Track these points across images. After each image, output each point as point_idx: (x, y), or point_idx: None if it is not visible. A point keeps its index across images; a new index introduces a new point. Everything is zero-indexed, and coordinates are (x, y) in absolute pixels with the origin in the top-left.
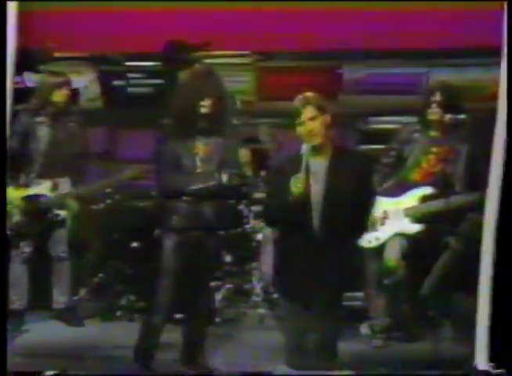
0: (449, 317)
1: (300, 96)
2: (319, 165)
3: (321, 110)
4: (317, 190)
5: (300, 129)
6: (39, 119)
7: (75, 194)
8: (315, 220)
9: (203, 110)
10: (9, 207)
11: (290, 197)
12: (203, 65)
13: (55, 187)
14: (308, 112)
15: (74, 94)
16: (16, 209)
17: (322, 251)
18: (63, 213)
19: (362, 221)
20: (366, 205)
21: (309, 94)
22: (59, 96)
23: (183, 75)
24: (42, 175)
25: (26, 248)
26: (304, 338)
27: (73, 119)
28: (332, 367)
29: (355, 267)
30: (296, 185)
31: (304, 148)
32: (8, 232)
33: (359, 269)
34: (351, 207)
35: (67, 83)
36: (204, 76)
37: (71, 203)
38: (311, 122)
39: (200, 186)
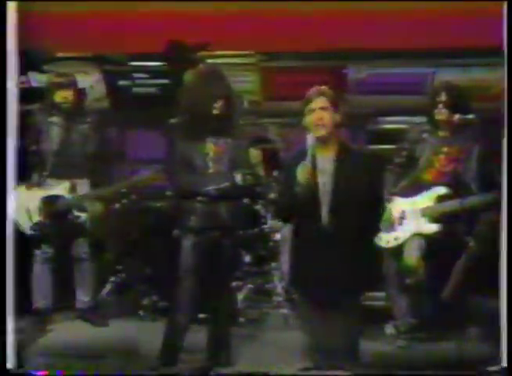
0: (472, 319)
1: (314, 88)
2: (325, 160)
3: (333, 104)
4: (325, 184)
5: (308, 118)
6: (51, 119)
7: (94, 196)
8: (324, 214)
9: (214, 111)
10: (23, 206)
11: (298, 187)
12: (211, 65)
13: (73, 188)
14: (321, 102)
15: (80, 94)
16: (36, 210)
17: (333, 247)
18: (83, 215)
19: (371, 218)
20: (375, 202)
21: (324, 88)
22: (63, 97)
23: (191, 76)
24: (57, 176)
25: (47, 249)
26: (325, 338)
27: (86, 119)
28: (356, 367)
29: (370, 265)
30: (302, 173)
31: (310, 138)
32: (30, 232)
33: (376, 268)
34: (360, 202)
35: (72, 84)
36: (213, 76)
37: (91, 204)
38: (321, 111)
39: (214, 186)
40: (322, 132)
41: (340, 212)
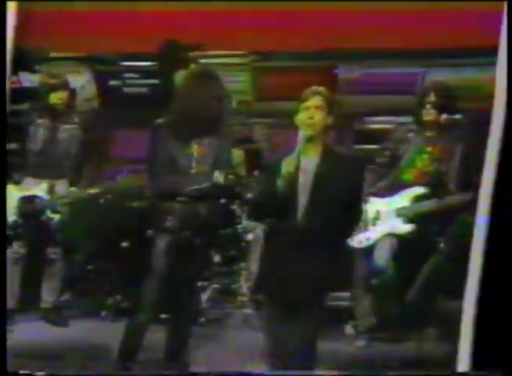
0: (434, 320)
1: (312, 87)
2: (308, 162)
3: (329, 105)
4: (305, 184)
5: (300, 116)
6: (36, 120)
7: (70, 197)
8: (300, 214)
9: (205, 112)
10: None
11: (280, 182)
12: (204, 66)
13: (51, 189)
14: (316, 100)
15: (72, 95)
16: (12, 209)
17: (305, 247)
18: (56, 216)
19: (349, 221)
20: (354, 206)
21: (319, 87)
22: (57, 98)
23: (184, 76)
24: (37, 176)
25: (19, 249)
26: (286, 339)
27: (71, 120)
28: (312, 367)
29: (342, 267)
30: (287, 165)
31: (300, 135)
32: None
33: (346, 269)
34: (337, 205)
35: (65, 85)
36: (207, 77)
37: (65, 205)
38: (314, 110)
39: (196, 186)
40: (311, 131)
41: (315, 213)
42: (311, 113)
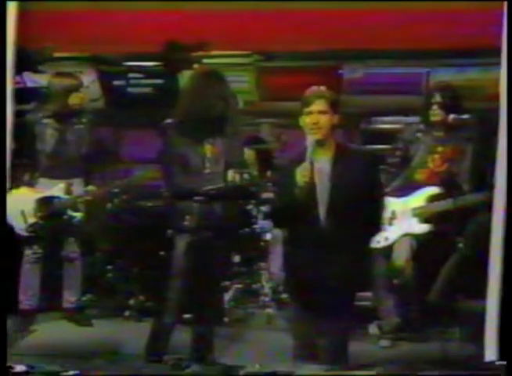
0: (457, 321)
1: (314, 87)
2: (323, 162)
3: (333, 107)
4: (323, 187)
5: (305, 119)
6: (47, 120)
7: (88, 196)
8: (322, 217)
9: (213, 112)
10: (18, 207)
11: (297, 189)
12: (211, 67)
13: (69, 189)
14: (320, 105)
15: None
16: (30, 211)
17: (330, 248)
18: (78, 215)
19: (371, 219)
20: (375, 203)
21: (324, 89)
22: (77, 99)
23: (191, 77)
24: (51, 176)
25: (39, 249)
26: (313, 339)
27: (82, 120)
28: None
29: (365, 267)
30: (301, 174)
31: (309, 140)
32: (25, 233)
33: (368, 269)
34: (359, 204)
35: (82, 85)
36: (214, 78)
37: (84, 204)
38: (319, 115)
39: (211, 186)
40: (319, 136)
41: (338, 213)
42: (316, 118)
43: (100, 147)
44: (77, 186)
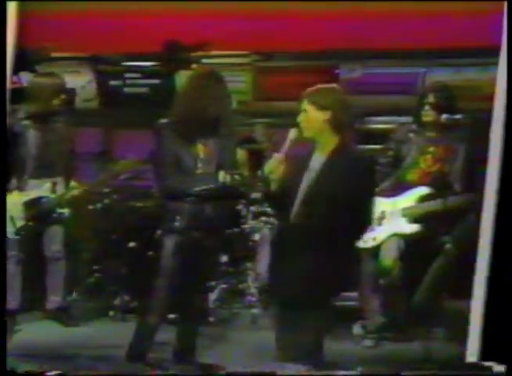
0: (442, 321)
1: (310, 87)
2: (317, 161)
3: (316, 105)
4: (305, 184)
5: (299, 117)
6: (26, 121)
7: (76, 190)
8: (295, 211)
9: (210, 112)
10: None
11: (264, 182)
12: (209, 67)
13: (54, 187)
14: (304, 104)
15: (70, 96)
16: (19, 214)
17: (305, 246)
18: (66, 211)
19: (355, 221)
20: (362, 206)
21: (310, 89)
22: (59, 100)
23: (189, 77)
24: (35, 177)
25: (22, 250)
26: (293, 337)
27: (60, 119)
28: (321, 366)
29: (348, 266)
30: (268, 166)
31: (289, 135)
32: (14, 236)
33: (353, 269)
34: (343, 203)
35: (65, 86)
36: (212, 79)
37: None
38: (305, 113)
39: (203, 187)
40: (307, 133)
41: (312, 210)
42: (302, 116)
43: (90, 146)
44: (61, 184)
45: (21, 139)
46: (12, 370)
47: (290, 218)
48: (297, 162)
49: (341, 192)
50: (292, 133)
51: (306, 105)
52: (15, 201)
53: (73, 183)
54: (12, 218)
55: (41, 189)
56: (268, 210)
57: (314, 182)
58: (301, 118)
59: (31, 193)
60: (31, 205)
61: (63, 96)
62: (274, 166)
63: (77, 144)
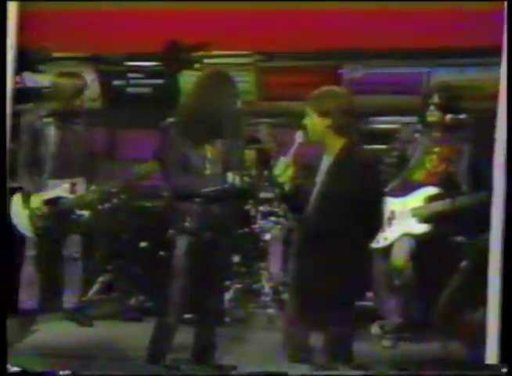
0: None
1: (322, 88)
2: (326, 162)
3: (317, 112)
4: (318, 186)
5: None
6: (47, 120)
7: (96, 193)
8: (310, 213)
9: (218, 113)
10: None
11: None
12: (219, 69)
13: (73, 188)
14: (308, 108)
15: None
16: (38, 214)
17: (318, 249)
18: (86, 213)
19: (366, 221)
20: (371, 206)
21: (311, 94)
22: (80, 100)
23: (198, 77)
24: (54, 177)
25: (41, 250)
26: (309, 337)
27: (81, 119)
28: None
29: (365, 268)
30: (276, 168)
31: (297, 134)
32: (32, 235)
33: (366, 270)
34: (352, 205)
35: (87, 85)
36: (221, 79)
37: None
38: (307, 117)
39: (213, 187)
40: (312, 137)
41: (323, 213)
42: (306, 120)
43: (98, 146)
44: (81, 185)
45: (42, 137)
46: (23, 369)
47: (305, 220)
48: (307, 164)
49: (350, 192)
50: (299, 136)
51: (309, 110)
52: (34, 201)
53: (93, 187)
54: (30, 217)
55: (60, 189)
56: (277, 210)
57: (324, 184)
58: (305, 122)
59: (50, 193)
60: (50, 205)
61: (84, 96)
62: (282, 169)
63: (96, 145)
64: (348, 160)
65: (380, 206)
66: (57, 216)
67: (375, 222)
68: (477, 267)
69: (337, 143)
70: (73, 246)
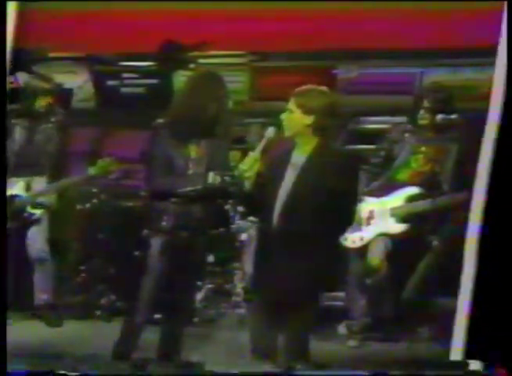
0: (428, 319)
1: (306, 86)
2: (298, 159)
3: (302, 108)
4: (286, 183)
5: None
6: (14, 120)
7: (50, 191)
8: (277, 209)
9: (207, 113)
10: None
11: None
12: (209, 68)
13: (28, 186)
14: (289, 103)
15: (59, 100)
16: None
17: (288, 247)
18: (37, 212)
19: (338, 220)
20: (345, 204)
21: (299, 89)
22: (42, 103)
23: (188, 77)
24: (15, 175)
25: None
26: (273, 337)
27: (49, 121)
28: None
29: (331, 266)
30: (244, 164)
31: (268, 130)
32: None
33: (338, 269)
34: (326, 203)
35: (53, 90)
36: (211, 79)
37: (49, 200)
38: (286, 113)
39: (192, 187)
40: (287, 133)
41: (295, 210)
42: (285, 115)
43: (85, 146)
44: (38, 184)
45: (8, 136)
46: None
47: (272, 218)
48: (275, 161)
49: (322, 191)
50: (269, 132)
51: (292, 105)
52: None
53: (52, 184)
54: None
55: (15, 187)
56: None
57: (295, 182)
58: (284, 117)
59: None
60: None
61: (48, 99)
62: (249, 165)
63: (68, 145)
64: (322, 159)
65: (352, 204)
66: (11, 215)
67: (343, 222)
68: (446, 248)
69: (310, 142)
70: (38, 245)
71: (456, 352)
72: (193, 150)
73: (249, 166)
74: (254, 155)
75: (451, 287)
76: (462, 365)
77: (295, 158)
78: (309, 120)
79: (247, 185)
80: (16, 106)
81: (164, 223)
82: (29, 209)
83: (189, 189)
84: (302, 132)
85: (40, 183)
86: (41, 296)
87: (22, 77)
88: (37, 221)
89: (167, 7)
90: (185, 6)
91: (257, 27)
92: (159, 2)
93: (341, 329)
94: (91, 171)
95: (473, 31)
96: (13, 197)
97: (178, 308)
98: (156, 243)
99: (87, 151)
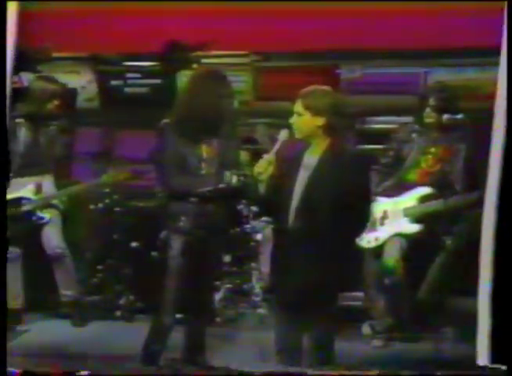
0: (448, 319)
1: (310, 87)
2: (311, 160)
3: (311, 110)
4: (300, 184)
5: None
6: (20, 120)
7: (61, 196)
8: (292, 210)
9: (213, 112)
10: None
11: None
12: (214, 67)
13: (38, 190)
14: (296, 106)
15: (68, 100)
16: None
17: (303, 248)
18: (47, 215)
19: (353, 220)
20: (359, 204)
21: (305, 91)
22: (51, 106)
23: (193, 76)
24: (19, 175)
25: (14, 249)
26: (298, 338)
27: (54, 122)
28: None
29: (348, 266)
30: (257, 166)
31: (280, 135)
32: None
33: (355, 269)
34: (340, 204)
35: (61, 92)
36: (216, 78)
37: (59, 203)
38: (295, 116)
39: (208, 187)
40: (299, 135)
41: (308, 211)
42: (295, 118)
43: (90, 147)
44: (47, 186)
45: (13, 137)
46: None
47: (287, 219)
48: (288, 163)
49: (336, 191)
50: (283, 134)
51: (300, 108)
52: None
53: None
54: None
55: (24, 190)
56: None
57: (309, 183)
58: (294, 120)
59: (15, 193)
60: (12, 205)
61: (56, 102)
62: (264, 167)
63: (72, 147)
64: (335, 159)
65: (367, 204)
66: (18, 217)
67: (359, 223)
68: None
69: (323, 142)
70: (52, 243)
71: (482, 353)
72: (204, 150)
73: (264, 168)
74: (268, 157)
75: (466, 287)
76: (486, 367)
77: (307, 159)
78: (320, 121)
79: (262, 187)
80: (21, 107)
81: (181, 224)
82: (38, 212)
83: (206, 189)
84: (314, 134)
85: (50, 187)
86: (66, 292)
87: (26, 78)
88: (47, 223)
89: (171, 7)
90: (188, 6)
91: (261, 27)
92: (163, 2)
93: (365, 329)
94: (104, 178)
95: (476, 31)
96: (22, 199)
97: (201, 308)
98: (176, 243)
99: (92, 151)
